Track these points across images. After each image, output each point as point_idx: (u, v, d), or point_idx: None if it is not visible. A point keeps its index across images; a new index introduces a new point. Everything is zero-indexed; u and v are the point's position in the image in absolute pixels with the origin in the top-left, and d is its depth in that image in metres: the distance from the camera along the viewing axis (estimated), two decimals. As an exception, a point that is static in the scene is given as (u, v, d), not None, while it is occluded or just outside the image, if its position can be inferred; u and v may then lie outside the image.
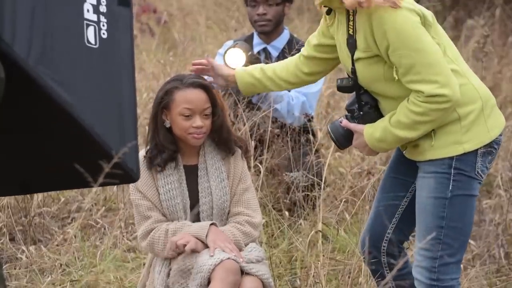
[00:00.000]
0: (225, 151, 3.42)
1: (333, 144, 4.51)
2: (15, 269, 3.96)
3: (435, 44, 2.84)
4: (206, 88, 3.33)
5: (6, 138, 2.33)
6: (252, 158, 4.18)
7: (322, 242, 3.71)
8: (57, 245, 4.21)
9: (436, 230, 2.90)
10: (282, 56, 4.56)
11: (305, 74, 3.29)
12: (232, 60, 3.87)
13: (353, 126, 3.02)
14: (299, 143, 4.49)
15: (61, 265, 3.80)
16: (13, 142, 2.36)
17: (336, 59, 3.17)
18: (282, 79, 3.30)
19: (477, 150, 2.89)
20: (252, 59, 4.35)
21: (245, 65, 4.09)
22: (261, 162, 4.31)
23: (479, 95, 2.89)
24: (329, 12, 3.04)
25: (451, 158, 2.89)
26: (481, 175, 2.93)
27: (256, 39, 4.68)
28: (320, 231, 3.81)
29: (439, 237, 2.90)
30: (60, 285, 3.70)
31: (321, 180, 4.14)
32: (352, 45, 2.92)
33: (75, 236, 4.17)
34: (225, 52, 4.14)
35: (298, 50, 4.50)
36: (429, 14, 2.93)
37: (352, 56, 2.94)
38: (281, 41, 4.66)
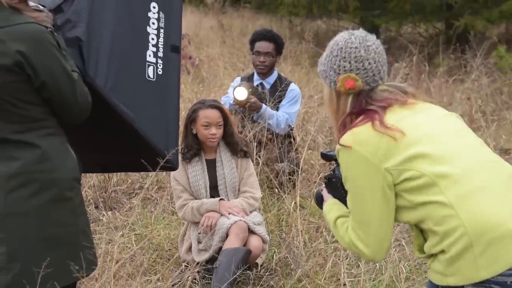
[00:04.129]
0: (233, 150, 3.43)
1: (307, 144, 4.53)
2: (98, 226, 3.95)
3: (379, 204, 1.82)
4: (219, 108, 3.36)
5: (91, 140, 2.33)
6: (254, 153, 4.18)
7: (299, 209, 3.69)
8: (126, 211, 4.20)
9: None
10: (272, 88, 4.57)
11: None
12: (238, 94, 4.13)
13: (325, 194, 2.10)
14: (284, 144, 4.49)
15: (128, 224, 3.78)
16: (96, 142, 2.36)
17: None
18: None
19: (462, 286, 1.77)
20: (253, 90, 4.38)
21: (247, 96, 4.21)
22: (259, 157, 4.31)
23: (465, 231, 1.73)
24: None
25: (438, 286, 1.84)
26: None
27: (256, 76, 4.66)
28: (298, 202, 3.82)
29: None
30: (128, 237, 3.69)
31: (299, 168, 4.15)
32: None
33: (137, 205, 4.17)
34: (234, 89, 4.25)
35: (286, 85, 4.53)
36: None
37: None
38: (272, 78, 4.65)
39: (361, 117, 1.87)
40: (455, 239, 1.74)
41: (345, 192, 1.93)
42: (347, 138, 1.84)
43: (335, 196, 2.05)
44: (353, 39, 1.92)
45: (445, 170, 1.77)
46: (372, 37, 1.95)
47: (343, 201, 1.98)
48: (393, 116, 1.85)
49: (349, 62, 1.90)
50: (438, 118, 1.92)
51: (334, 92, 1.94)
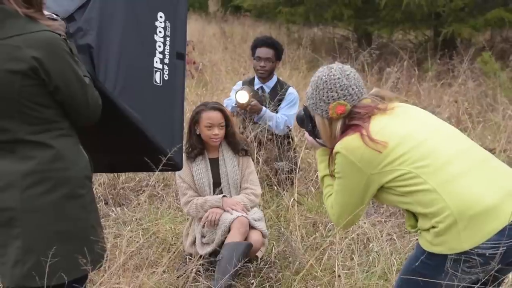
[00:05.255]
0: (234, 149, 3.42)
1: (305, 144, 4.53)
2: (107, 222, 3.95)
3: (358, 197, 2.05)
4: (221, 110, 3.36)
5: (101, 141, 2.32)
6: (254, 153, 4.18)
7: (297, 205, 3.70)
8: (133, 207, 4.20)
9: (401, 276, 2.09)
10: (272, 91, 4.56)
11: None
12: (240, 98, 4.14)
13: (310, 140, 2.27)
14: (283, 144, 4.49)
15: (136, 219, 3.78)
16: (104, 143, 2.35)
17: None
18: None
19: (446, 255, 1.92)
20: (254, 94, 4.38)
21: (249, 99, 4.22)
22: (260, 156, 4.31)
23: (451, 211, 1.88)
24: None
25: (425, 250, 1.98)
26: (454, 273, 1.93)
27: (256, 80, 4.66)
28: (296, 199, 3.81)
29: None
30: (135, 232, 3.69)
31: (297, 167, 4.14)
32: None
33: (145, 202, 4.16)
34: (236, 93, 4.24)
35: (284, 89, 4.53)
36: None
37: None
38: (272, 82, 4.65)
39: (350, 130, 2.04)
40: (443, 217, 1.90)
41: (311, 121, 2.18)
42: (339, 145, 2.03)
43: (306, 120, 2.22)
44: (333, 72, 2.08)
45: (425, 163, 1.94)
46: (348, 67, 2.11)
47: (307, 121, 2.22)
48: (376, 125, 2.02)
49: (336, 92, 2.07)
50: (413, 119, 2.07)
51: (326, 120, 2.11)
